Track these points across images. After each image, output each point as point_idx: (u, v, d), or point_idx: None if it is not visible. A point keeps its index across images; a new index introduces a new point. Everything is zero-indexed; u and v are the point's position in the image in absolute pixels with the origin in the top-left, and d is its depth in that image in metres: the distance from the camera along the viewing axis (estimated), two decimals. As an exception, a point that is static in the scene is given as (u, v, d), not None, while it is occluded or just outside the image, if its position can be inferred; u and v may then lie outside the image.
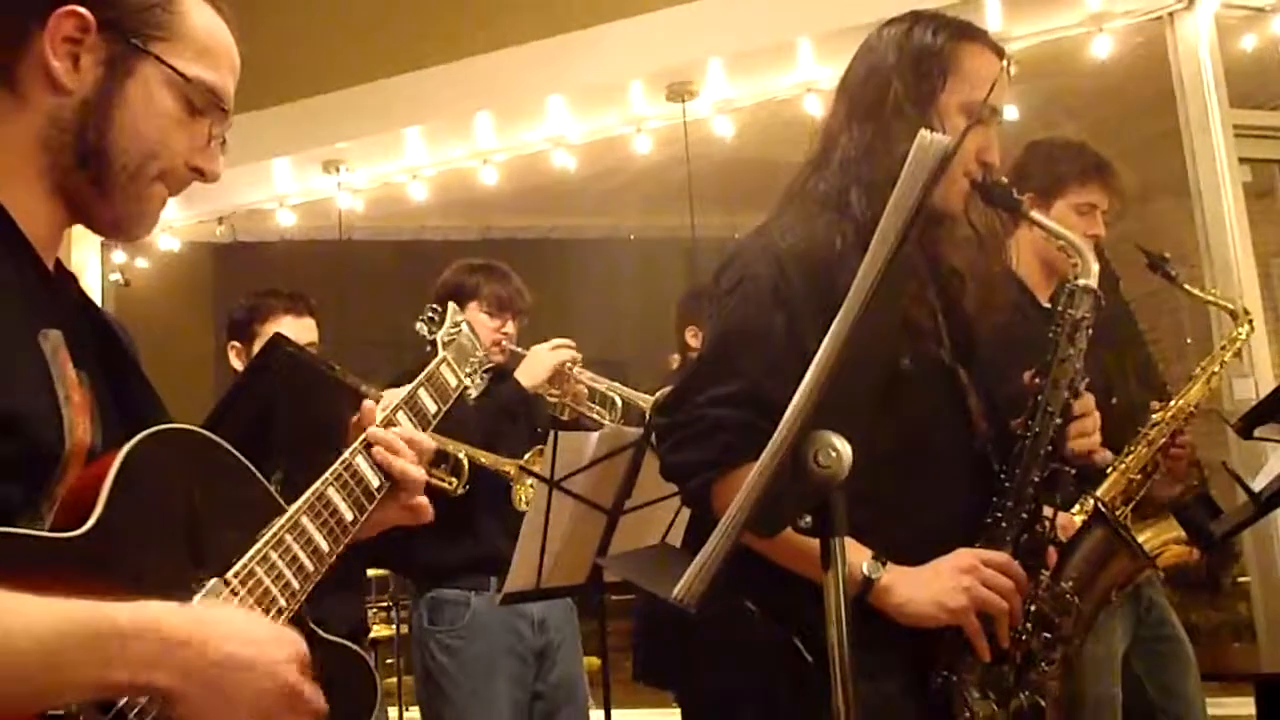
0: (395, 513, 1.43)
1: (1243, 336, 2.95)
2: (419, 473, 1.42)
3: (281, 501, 1.28)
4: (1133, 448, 2.76)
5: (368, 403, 1.45)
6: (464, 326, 1.69)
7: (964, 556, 1.67)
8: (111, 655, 0.97)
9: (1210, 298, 3.17)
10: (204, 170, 1.28)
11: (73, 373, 1.15)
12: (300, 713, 1.09)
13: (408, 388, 1.50)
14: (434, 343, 1.63)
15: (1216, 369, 2.91)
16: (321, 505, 1.29)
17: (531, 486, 3.14)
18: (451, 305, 1.69)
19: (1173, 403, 2.82)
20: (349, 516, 1.32)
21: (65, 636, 0.95)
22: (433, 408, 1.53)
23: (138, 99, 1.21)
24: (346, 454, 1.36)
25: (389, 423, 1.44)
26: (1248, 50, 4.49)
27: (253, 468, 1.26)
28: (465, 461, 3.12)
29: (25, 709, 0.97)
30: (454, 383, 1.60)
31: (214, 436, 1.23)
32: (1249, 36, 4.49)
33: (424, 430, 1.50)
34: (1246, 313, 3.00)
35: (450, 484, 3.09)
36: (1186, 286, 3.05)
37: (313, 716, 1.11)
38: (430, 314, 1.67)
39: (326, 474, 1.32)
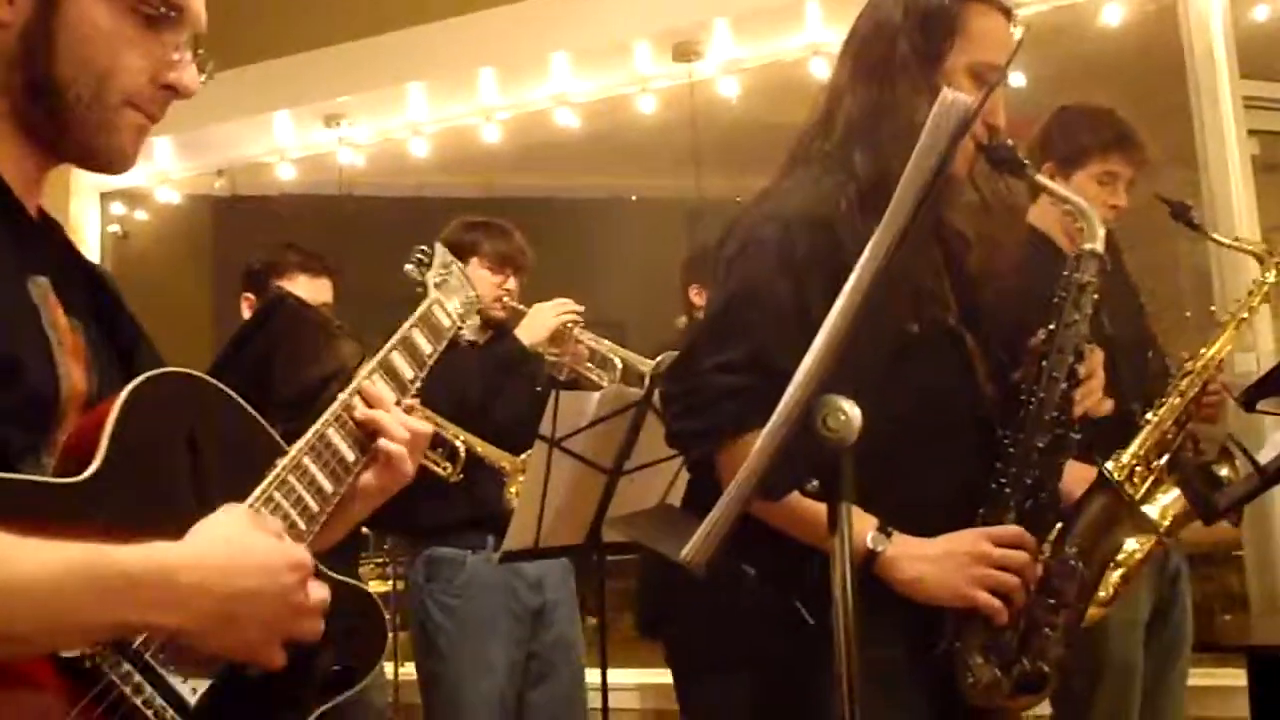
0: (381, 477, 1.39)
1: (1271, 280, 2.91)
2: (401, 432, 1.37)
3: (282, 443, 1.27)
4: (1165, 399, 2.75)
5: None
6: (454, 268, 1.67)
7: (975, 542, 1.65)
8: (119, 599, 0.97)
9: (1234, 244, 3.16)
10: (175, 85, 1.18)
11: (64, 319, 1.13)
12: (305, 620, 1.12)
13: (399, 331, 1.49)
14: (424, 284, 1.61)
15: (1245, 315, 2.89)
16: (322, 445, 1.28)
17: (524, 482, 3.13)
18: (439, 246, 1.67)
19: (1203, 351, 2.80)
20: (350, 456, 1.32)
21: (72, 579, 0.95)
22: (428, 349, 1.51)
23: (77, 19, 1.12)
24: (344, 395, 1.34)
25: (385, 363, 1.42)
26: (1259, 21, 4.44)
27: (253, 410, 1.25)
28: (461, 449, 3.10)
29: (33, 650, 0.97)
30: (447, 323, 1.59)
31: (213, 380, 1.22)
32: (1261, 7, 4.44)
33: (420, 369, 1.48)
34: (1271, 255, 2.97)
35: (445, 469, 3.09)
36: (1214, 236, 3.08)
37: (314, 614, 1.13)
38: (419, 256, 1.65)
39: (326, 414, 1.31)
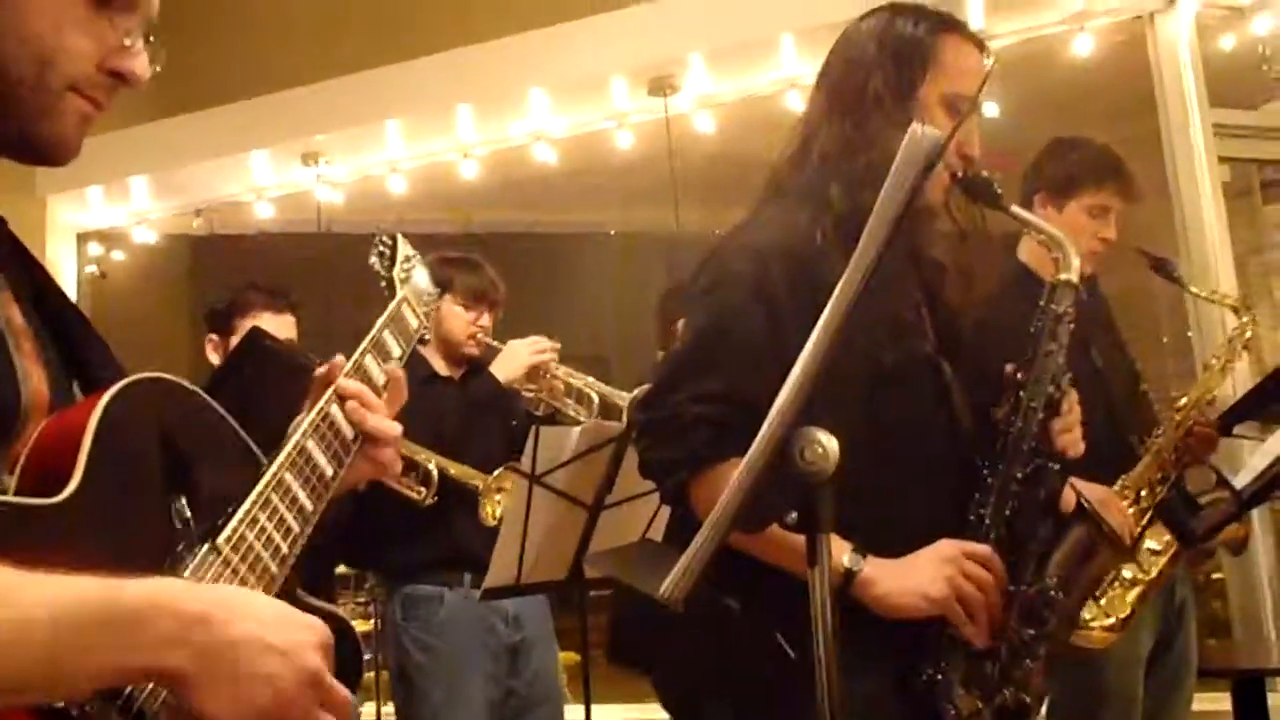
0: (364, 467, 1.34)
1: (1248, 325, 3.02)
2: (393, 427, 1.34)
3: (259, 452, 1.21)
4: (1163, 430, 2.82)
5: (338, 357, 1.36)
6: (416, 261, 1.61)
7: (946, 546, 1.66)
8: (128, 638, 0.88)
9: (1210, 296, 3.26)
10: (123, 72, 1.09)
11: (21, 318, 1.07)
12: (324, 702, 0.98)
13: (372, 331, 1.44)
14: (390, 281, 1.56)
15: (1231, 359, 2.99)
16: (303, 460, 1.21)
17: (499, 501, 3.12)
18: (401, 238, 1.60)
19: (1196, 387, 2.91)
20: (329, 471, 1.25)
21: (81, 618, 0.86)
22: (397, 350, 1.47)
23: None
24: (321, 404, 1.28)
25: (359, 367, 1.37)
26: (1227, 50, 4.51)
27: (229, 417, 1.19)
28: (435, 471, 3.09)
29: (36, 699, 0.89)
30: (415, 325, 1.54)
31: (193, 386, 1.15)
32: (1228, 36, 4.50)
33: None
34: (1249, 307, 3.05)
35: (419, 494, 3.07)
36: (1193, 289, 3.17)
37: (336, 707, 1.00)
38: (382, 248, 1.58)
39: (304, 425, 1.24)
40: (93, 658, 0.87)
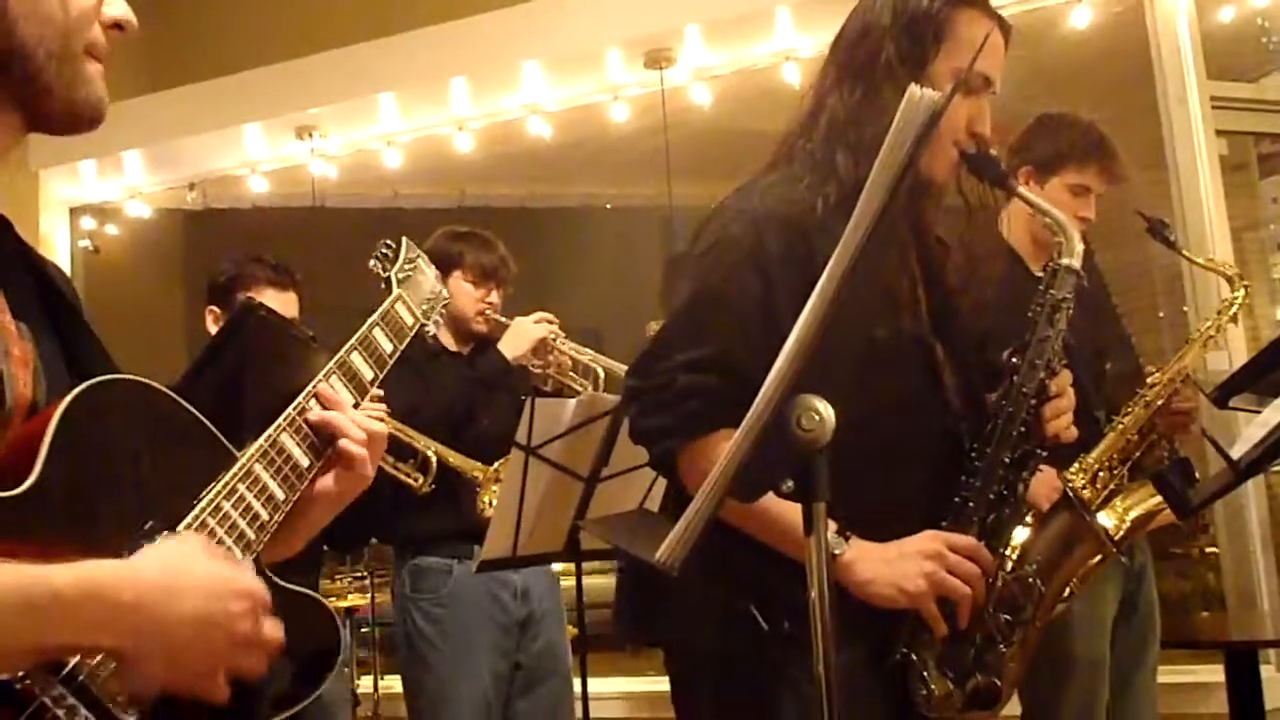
0: (344, 476, 1.36)
1: (1239, 300, 2.96)
2: (359, 435, 1.35)
3: (233, 450, 1.24)
4: (1131, 408, 2.78)
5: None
6: (420, 262, 1.63)
7: (929, 541, 1.64)
8: (51, 621, 0.94)
9: (1206, 263, 3.21)
10: (120, 21, 1.16)
11: (11, 324, 1.10)
12: (252, 654, 1.08)
13: (360, 330, 1.46)
14: (388, 280, 1.57)
15: (1214, 333, 2.92)
16: (275, 452, 1.25)
17: (496, 492, 3.11)
18: (406, 241, 1.63)
19: (1170, 365, 2.84)
20: (305, 462, 1.29)
21: (1, 602, 0.91)
22: (388, 348, 1.48)
23: None
24: (300, 398, 1.32)
25: (344, 365, 1.40)
26: (1225, 22, 4.49)
27: (200, 416, 1.22)
28: (433, 459, 3.09)
29: None
30: (410, 321, 1.55)
31: (160, 386, 1.18)
32: (1227, 8, 4.49)
33: (381, 369, 1.46)
34: (1241, 278, 3.01)
35: (416, 480, 3.07)
36: (1185, 254, 3.10)
37: (269, 652, 1.09)
38: (384, 251, 1.60)
39: (280, 420, 1.28)
40: (17, 639, 0.92)
